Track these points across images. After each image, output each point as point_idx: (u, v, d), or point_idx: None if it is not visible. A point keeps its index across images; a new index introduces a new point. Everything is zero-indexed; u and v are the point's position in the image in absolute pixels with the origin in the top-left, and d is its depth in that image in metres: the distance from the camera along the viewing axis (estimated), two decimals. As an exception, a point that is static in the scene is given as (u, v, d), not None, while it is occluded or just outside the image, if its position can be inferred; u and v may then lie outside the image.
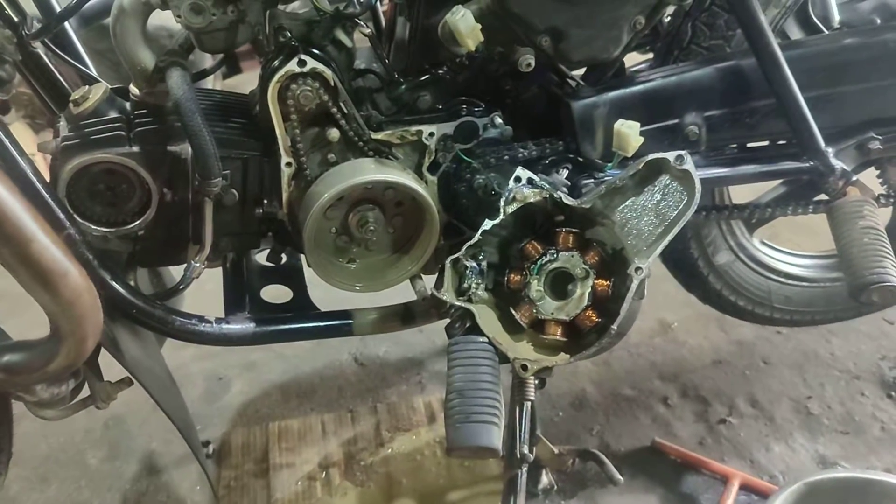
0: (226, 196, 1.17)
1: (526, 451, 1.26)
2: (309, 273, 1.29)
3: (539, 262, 1.13)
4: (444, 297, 1.13)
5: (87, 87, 1.18)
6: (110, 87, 1.21)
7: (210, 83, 2.19)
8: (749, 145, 1.42)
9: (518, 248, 1.16)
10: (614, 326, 1.06)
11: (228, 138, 1.17)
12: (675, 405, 1.80)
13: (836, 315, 1.83)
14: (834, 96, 1.34)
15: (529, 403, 1.20)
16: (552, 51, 1.21)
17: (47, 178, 1.09)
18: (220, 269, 1.39)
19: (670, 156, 1.05)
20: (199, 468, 1.46)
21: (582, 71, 1.32)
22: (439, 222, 1.22)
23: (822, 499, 1.33)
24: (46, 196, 1.03)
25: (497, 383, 1.08)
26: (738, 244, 1.68)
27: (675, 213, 1.06)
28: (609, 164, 1.23)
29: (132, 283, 1.21)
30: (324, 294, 1.34)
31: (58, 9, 1.29)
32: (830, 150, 1.31)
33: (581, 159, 1.27)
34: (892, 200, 1.47)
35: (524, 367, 1.11)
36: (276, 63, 1.12)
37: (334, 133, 1.17)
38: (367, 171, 1.16)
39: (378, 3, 1.36)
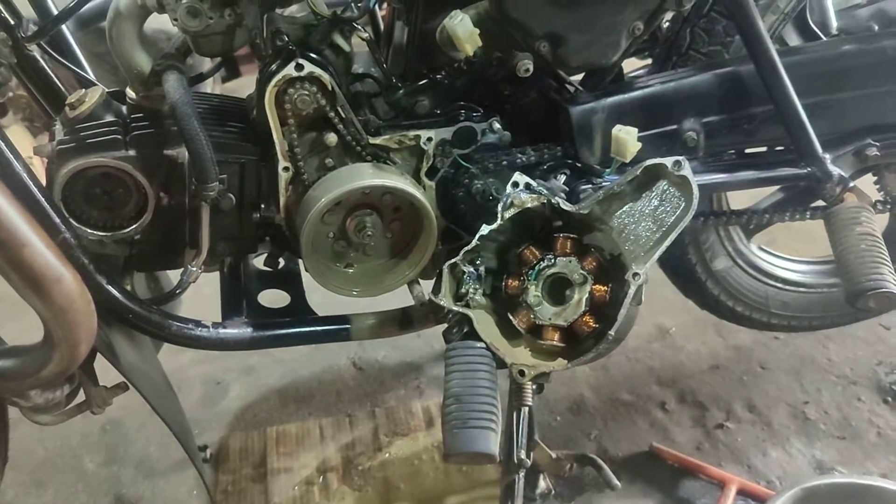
0: (223, 200, 1.17)
1: (523, 456, 1.25)
2: (307, 278, 1.28)
3: (537, 268, 1.13)
4: (442, 303, 1.13)
5: (83, 90, 1.18)
6: (107, 90, 1.20)
7: (209, 86, 2.19)
8: (747, 151, 1.42)
9: (516, 254, 1.16)
10: (612, 332, 1.06)
11: (225, 142, 1.17)
12: (672, 410, 1.80)
13: (833, 320, 1.83)
14: (832, 103, 1.34)
15: (527, 408, 1.20)
16: (551, 56, 1.21)
17: (43, 182, 1.08)
18: (217, 274, 1.39)
19: (668, 161, 1.05)
20: (196, 473, 1.46)
21: (580, 76, 1.32)
22: (437, 227, 1.21)
23: (820, 504, 1.33)
24: (42, 200, 1.02)
25: (494, 389, 1.08)
26: (736, 250, 1.68)
27: (673, 218, 1.06)
28: (607, 170, 1.23)
29: (128, 287, 1.20)
30: (322, 299, 1.34)
31: (54, 11, 1.28)
32: (828, 157, 1.31)
33: (579, 165, 1.27)
34: (889, 207, 1.47)
35: (522, 373, 1.11)
36: (273, 67, 1.12)
37: (332, 137, 1.17)
38: (365, 175, 1.16)
39: (376, 7, 1.36)
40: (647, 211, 1.08)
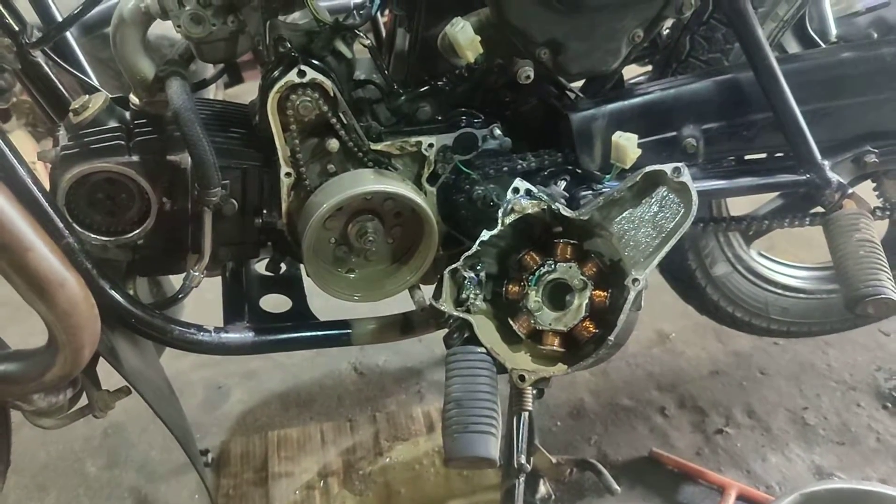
0: (225, 206, 1.18)
1: (523, 460, 1.25)
2: (308, 283, 1.29)
3: (537, 273, 1.13)
4: (443, 308, 1.13)
5: (87, 96, 1.18)
6: (110, 96, 1.21)
7: (212, 92, 2.19)
8: (746, 158, 1.42)
9: (516, 259, 1.16)
10: (612, 337, 1.06)
11: (228, 148, 1.18)
12: (672, 415, 1.80)
13: (833, 326, 1.83)
14: (831, 110, 1.35)
15: (527, 413, 1.20)
16: (551, 63, 1.21)
17: (47, 187, 1.09)
18: (219, 279, 1.39)
19: (668, 168, 1.05)
20: (198, 477, 1.46)
21: (581, 83, 1.33)
22: (438, 233, 1.22)
23: (819, 510, 1.34)
24: (45, 205, 1.03)
25: (495, 393, 1.08)
26: (736, 256, 1.69)
27: (673, 224, 1.07)
28: (607, 176, 1.23)
29: (131, 292, 1.21)
30: (323, 304, 1.34)
31: (59, 17, 1.29)
32: (827, 164, 1.31)
33: (579, 171, 1.27)
34: (887, 213, 1.47)
35: (522, 378, 1.11)
36: (275, 73, 1.13)
37: (334, 143, 1.17)
38: (367, 181, 1.16)
39: (378, 14, 1.37)
40: (646, 217, 1.09)
